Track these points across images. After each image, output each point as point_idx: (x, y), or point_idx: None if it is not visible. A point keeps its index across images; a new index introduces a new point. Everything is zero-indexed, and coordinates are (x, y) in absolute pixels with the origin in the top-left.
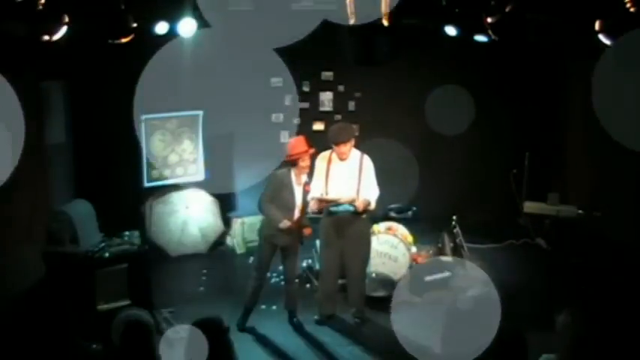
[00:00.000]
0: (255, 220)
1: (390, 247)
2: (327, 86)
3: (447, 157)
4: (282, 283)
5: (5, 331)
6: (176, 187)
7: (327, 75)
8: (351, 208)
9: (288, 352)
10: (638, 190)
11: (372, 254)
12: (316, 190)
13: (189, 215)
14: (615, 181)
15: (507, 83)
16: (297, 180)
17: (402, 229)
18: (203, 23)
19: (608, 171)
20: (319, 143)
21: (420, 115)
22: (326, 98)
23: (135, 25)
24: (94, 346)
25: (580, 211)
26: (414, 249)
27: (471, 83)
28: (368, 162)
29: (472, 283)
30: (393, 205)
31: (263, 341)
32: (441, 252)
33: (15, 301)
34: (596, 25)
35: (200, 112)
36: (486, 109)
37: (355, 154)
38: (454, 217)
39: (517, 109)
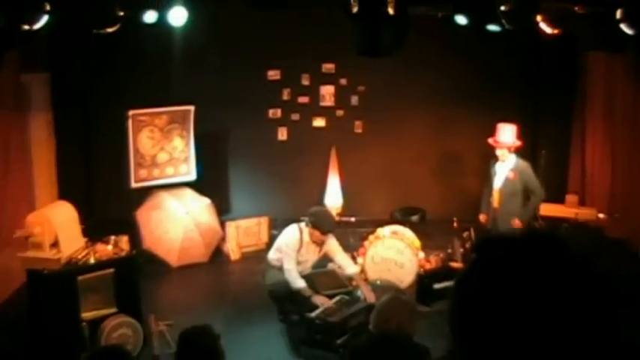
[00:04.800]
0: (250, 223)
1: (396, 252)
2: (328, 79)
3: (458, 155)
4: None
5: None
6: (167, 189)
7: (329, 67)
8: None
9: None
10: None
11: (377, 260)
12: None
13: (189, 221)
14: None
15: (522, 76)
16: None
17: (408, 234)
18: (194, 11)
19: (631, 171)
20: (320, 140)
21: (429, 111)
22: (327, 92)
23: (121, 13)
24: None
25: (601, 215)
26: (421, 255)
27: (483, 76)
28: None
29: None
30: (398, 208)
31: (255, 348)
32: (451, 258)
33: None
34: (618, 14)
35: (192, 107)
36: (500, 104)
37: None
38: (455, 219)
39: (533, 104)
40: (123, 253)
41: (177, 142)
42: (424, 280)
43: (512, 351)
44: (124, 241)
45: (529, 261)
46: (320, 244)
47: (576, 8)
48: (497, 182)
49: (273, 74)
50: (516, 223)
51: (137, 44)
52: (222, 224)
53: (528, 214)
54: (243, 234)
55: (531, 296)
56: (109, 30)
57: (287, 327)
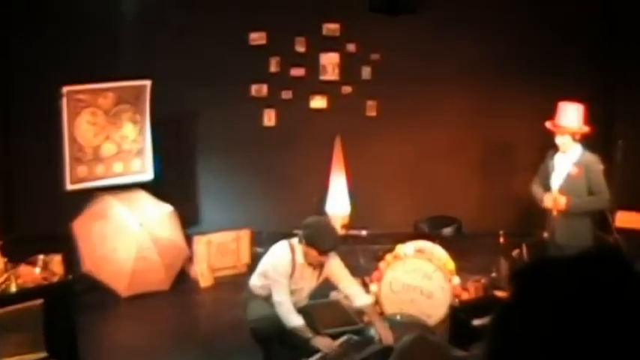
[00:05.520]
0: (226, 239)
1: (423, 277)
2: (331, 45)
3: (506, 146)
4: None
5: None
6: (115, 192)
7: (332, 28)
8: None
9: None
10: None
11: (396, 287)
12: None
13: (144, 236)
14: None
15: (592, 43)
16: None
17: (438, 252)
18: None
19: None
20: (319, 127)
21: (466, 87)
22: (329, 62)
23: None
24: None
25: None
26: (456, 280)
27: (539, 42)
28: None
29: None
30: (425, 217)
31: None
32: (495, 285)
33: None
34: None
35: (147, 83)
36: (562, 79)
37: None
38: (502, 233)
39: (606, 79)
40: (55, 279)
41: (129, 130)
42: (459, 314)
43: None
44: (57, 263)
45: (587, 290)
46: (318, 266)
47: None
48: (556, 181)
49: (257, 38)
50: (560, 200)
51: (75, 2)
52: (189, 240)
53: (580, 206)
54: (216, 252)
55: (589, 336)
56: None
57: None
